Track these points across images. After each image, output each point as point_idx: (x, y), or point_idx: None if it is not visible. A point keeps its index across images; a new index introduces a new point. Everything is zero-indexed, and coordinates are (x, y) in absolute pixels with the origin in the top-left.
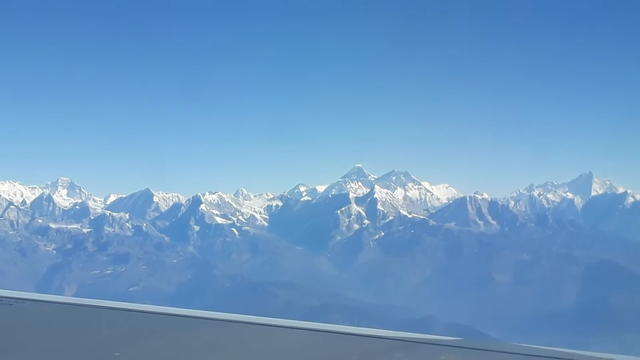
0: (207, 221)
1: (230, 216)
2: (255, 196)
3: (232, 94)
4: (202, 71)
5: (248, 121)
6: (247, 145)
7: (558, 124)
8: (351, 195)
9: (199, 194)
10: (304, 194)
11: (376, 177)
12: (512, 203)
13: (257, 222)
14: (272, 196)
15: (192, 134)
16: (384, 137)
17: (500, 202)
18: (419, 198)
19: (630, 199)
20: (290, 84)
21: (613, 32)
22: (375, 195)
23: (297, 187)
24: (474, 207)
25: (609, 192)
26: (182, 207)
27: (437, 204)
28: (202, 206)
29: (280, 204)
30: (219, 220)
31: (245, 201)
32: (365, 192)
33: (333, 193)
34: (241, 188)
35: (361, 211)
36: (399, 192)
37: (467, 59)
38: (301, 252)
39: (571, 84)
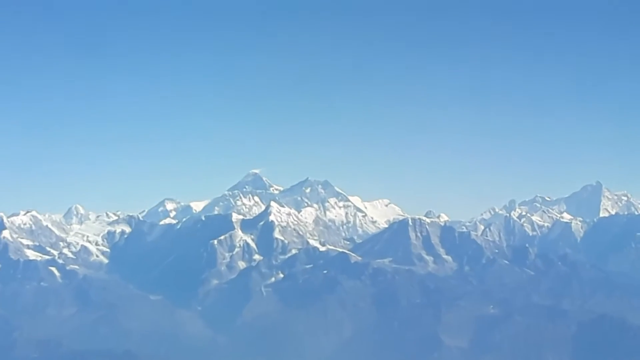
0: (12, 256)
1: (49, 248)
2: (98, 217)
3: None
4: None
5: (90, 107)
6: (90, 143)
7: (555, 120)
8: (235, 216)
9: (1, 214)
10: (171, 214)
11: (282, 188)
12: (480, 228)
13: (92, 258)
14: (115, 218)
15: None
16: (295, 131)
17: (461, 228)
18: (344, 221)
19: None
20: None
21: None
22: (272, 217)
23: (162, 203)
24: (419, 234)
25: (624, 212)
26: None
27: (372, 229)
28: (6, 233)
29: (127, 229)
30: (31, 254)
31: (76, 225)
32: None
33: (216, 212)
34: (76, 205)
35: (250, 241)
36: (309, 212)
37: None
38: (156, 304)
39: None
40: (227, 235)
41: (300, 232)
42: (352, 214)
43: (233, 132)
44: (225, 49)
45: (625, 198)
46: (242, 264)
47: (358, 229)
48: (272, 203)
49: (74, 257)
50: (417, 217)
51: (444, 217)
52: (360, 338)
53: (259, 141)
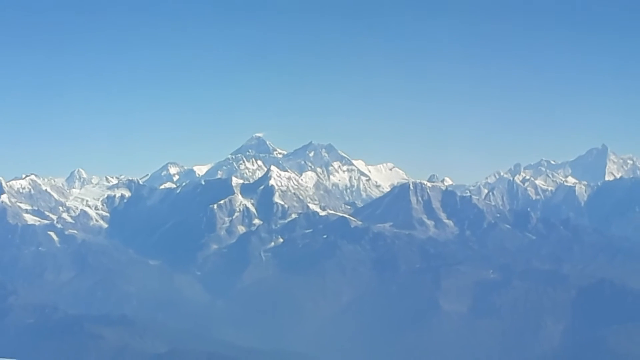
0: (10, 220)
1: (48, 213)
2: (98, 181)
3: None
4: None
5: (94, 72)
6: (96, 106)
7: (562, 83)
8: (235, 181)
9: (0, 178)
10: (174, 178)
11: (285, 152)
12: (483, 192)
13: (91, 223)
14: (115, 182)
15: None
16: (299, 95)
17: (464, 192)
18: (348, 185)
19: None
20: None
21: None
22: (272, 182)
23: (165, 167)
24: (420, 199)
25: (630, 176)
26: None
27: (375, 193)
28: (4, 197)
29: (127, 193)
30: (30, 219)
31: (76, 189)
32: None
33: (219, 176)
34: (78, 169)
35: (249, 206)
36: (309, 176)
37: None
38: (155, 269)
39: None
40: (226, 199)
41: (301, 197)
42: (356, 177)
43: (237, 95)
44: (231, 14)
45: (630, 162)
46: (241, 229)
47: (362, 193)
48: (273, 167)
49: (73, 222)
50: (418, 181)
51: (448, 181)
52: (359, 303)
53: (262, 104)
